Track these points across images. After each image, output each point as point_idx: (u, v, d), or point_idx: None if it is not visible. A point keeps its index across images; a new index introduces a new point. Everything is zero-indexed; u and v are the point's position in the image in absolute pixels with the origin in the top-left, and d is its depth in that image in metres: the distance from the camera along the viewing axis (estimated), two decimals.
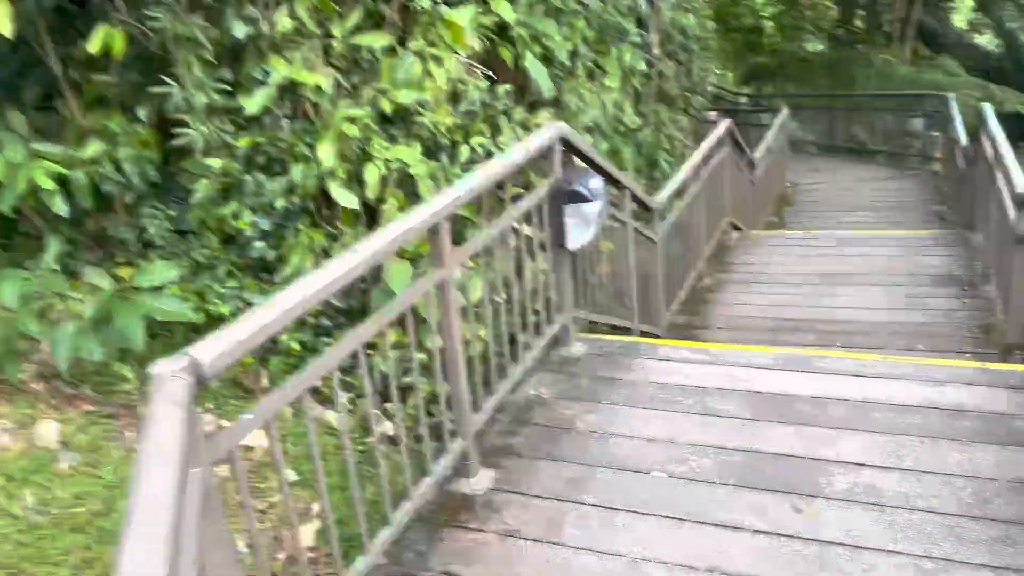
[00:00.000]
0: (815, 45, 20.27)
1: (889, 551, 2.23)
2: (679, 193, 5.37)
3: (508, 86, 4.45)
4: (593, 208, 3.24)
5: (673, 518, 2.46)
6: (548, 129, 3.19)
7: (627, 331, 4.43)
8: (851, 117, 14.24)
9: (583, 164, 3.50)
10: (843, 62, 17.84)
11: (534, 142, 3.07)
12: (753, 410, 3.03)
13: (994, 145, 5.08)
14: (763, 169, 8.77)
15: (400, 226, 2.22)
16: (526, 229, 3.28)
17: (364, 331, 2.09)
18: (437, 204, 2.37)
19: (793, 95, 15.76)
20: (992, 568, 2.13)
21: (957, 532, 2.28)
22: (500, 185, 2.90)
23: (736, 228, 7.35)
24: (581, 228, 3.27)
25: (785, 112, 10.77)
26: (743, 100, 16.96)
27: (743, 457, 2.73)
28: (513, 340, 3.20)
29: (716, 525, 2.41)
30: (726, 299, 5.93)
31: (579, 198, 3.22)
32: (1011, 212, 4.44)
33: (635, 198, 4.35)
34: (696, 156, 5.70)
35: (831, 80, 17.73)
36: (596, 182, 3.29)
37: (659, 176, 7.28)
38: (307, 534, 3.05)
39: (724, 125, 6.60)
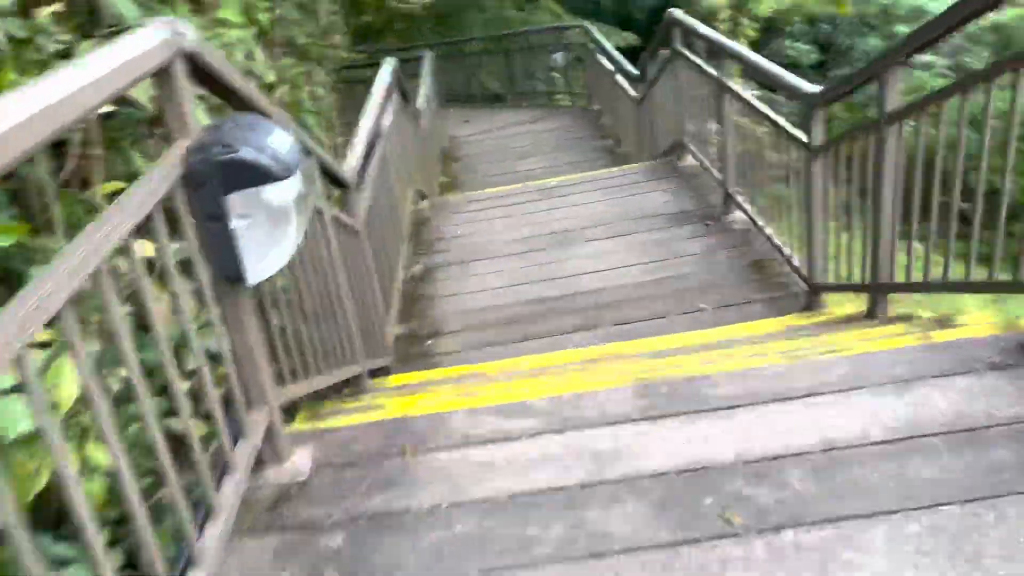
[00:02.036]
0: None
1: None
2: (366, 156, 3.76)
3: (57, 6, 2.47)
4: (288, 192, 1.54)
5: None
6: (152, 31, 1.41)
7: (351, 381, 2.79)
8: (481, 63, 13.57)
9: (244, 113, 1.77)
10: (453, 11, 17.27)
11: (119, 55, 1.29)
12: (668, 518, 1.63)
13: (728, 51, 4.25)
14: (427, 121, 7.44)
15: None
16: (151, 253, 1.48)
17: None
18: None
19: (413, 46, 14.71)
20: None
21: None
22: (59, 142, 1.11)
23: (422, 196, 5.95)
24: (270, 237, 1.55)
25: (430, 56, 9.53)
26: (361, 59, 15.54)
27: None
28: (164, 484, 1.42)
29: None
30: (447, 288, 4.49)
31: (254, 176, 1.49)
32: (786, 123, 3.60)
33: (324, 169, 2.67)
34: (374, 102, 4.12)
35: (444, 30, 17.10)
36: (282, 139, 1.58)
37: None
38: None
39: (390, 64, 5.08)
